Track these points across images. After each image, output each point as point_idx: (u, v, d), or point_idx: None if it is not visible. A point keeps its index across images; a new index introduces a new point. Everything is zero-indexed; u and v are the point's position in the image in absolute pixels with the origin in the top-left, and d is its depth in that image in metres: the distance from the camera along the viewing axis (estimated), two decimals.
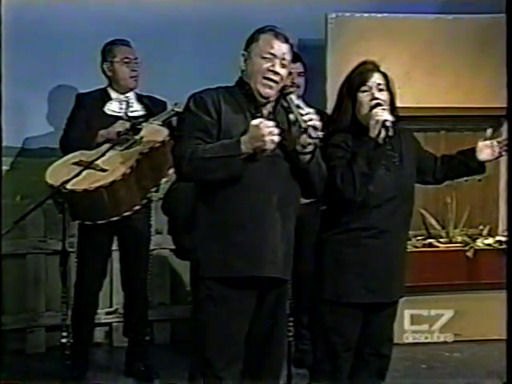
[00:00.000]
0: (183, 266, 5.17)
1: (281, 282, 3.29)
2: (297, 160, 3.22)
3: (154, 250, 4.96)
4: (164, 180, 4.29)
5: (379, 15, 5.27)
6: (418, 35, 5.28)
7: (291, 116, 3.19)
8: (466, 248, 5.33)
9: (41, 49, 5.12)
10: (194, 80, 4.66)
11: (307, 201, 3.50)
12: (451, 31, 5.32)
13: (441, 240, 5.42)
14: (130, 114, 4.61)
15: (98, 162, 4.15)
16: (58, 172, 4.14)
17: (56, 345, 4.31)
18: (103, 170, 4.13)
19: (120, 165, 4.16)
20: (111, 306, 5.28)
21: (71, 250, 4.41)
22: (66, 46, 5.11)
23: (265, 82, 3.22)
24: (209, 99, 3.22)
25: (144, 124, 4.39)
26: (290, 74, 3.45)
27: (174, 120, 4.39)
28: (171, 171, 4.03)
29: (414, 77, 5.12)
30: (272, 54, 3.23)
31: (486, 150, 3.62)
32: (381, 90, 3.45)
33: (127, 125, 4.41)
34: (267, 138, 3.06)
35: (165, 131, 4.32)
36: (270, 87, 3.22)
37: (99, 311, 4.99)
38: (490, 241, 5.39)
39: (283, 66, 3.25)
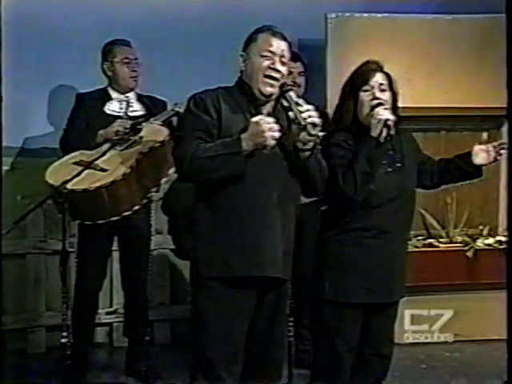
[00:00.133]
0: (183, 265, 5.18)
1: (281, 282, 3.29)
2: (296, 157, 3.22)
3: (155, 249, 4.95)
4: (164, 180, 4.29)
5: (379, 15, 5.27)
6: (418, 35, 5.28)
7: (290, 113, 3.19)
8: (466, 248, 5.32)
9: (41, 49, 5.12)
10: (193, 80, 4.66)
11: (307, 200, 3.50)
12: (451, 31, 5.32)
13: (441, 240, 5.42)
14: (130, 114, 4.61)
15: (98, 161, 4.14)
16: (58, 172, 4.13)
17: (56, 345, 4.29)
18: (103, 170, 4.12)
19: (120, 165, 4.15)
20: (111, 305, 5.28)
21: (71, 250, 4.39)
22: (66, 45, 5.11)
23: (266, 80, 3.22)
24: (209, 99, 3.22)
25: (144, 124, 4.38)
26: (290, 73, 3.46)
27: (175, 120, 4.39)
28: (171, 171, 4.05)
29: (413, 77, 5.11)
30: (271, 51, 3.23)
31: (481, 154, 3.63)
32: (383, 90, 3.45)
33: (126, 124, 4.40)
34: (268, 134, 3.06)
35: (165, 131, 4.31)
36: (271, 85, 3.23)
37: (99, 311, 4.98)
38: (490, 241, 5.38)
39: (283, 63, 3.25)
